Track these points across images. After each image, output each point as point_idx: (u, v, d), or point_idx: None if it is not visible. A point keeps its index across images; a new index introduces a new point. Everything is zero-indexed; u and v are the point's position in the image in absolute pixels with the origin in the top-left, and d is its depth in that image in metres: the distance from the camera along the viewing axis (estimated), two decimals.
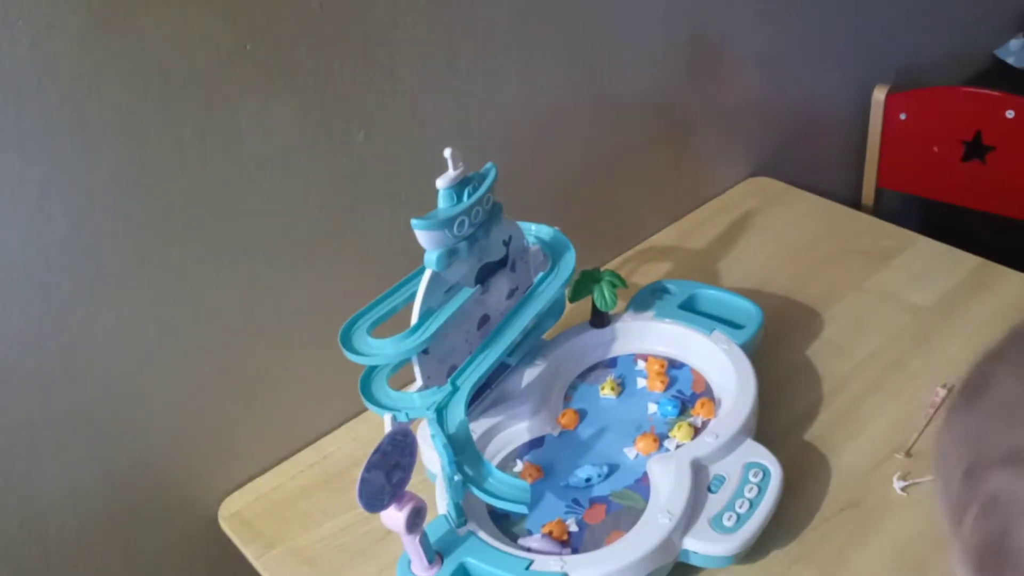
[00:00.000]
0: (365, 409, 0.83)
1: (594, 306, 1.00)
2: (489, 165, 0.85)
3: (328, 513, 0.94)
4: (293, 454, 1.03)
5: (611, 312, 1.01)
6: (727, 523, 0.80)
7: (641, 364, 0.99)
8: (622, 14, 1.11)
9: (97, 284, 0.82)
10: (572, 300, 1.00)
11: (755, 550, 0.81)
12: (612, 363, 1.01)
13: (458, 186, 0.81)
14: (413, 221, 0.78)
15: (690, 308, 1.03)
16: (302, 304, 0.96)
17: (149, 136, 0.80)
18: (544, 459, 0.90)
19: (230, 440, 0.98)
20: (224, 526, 0.97)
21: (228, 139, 0.84)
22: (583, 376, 1.00)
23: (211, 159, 0.84)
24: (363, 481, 0.70)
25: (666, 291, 1.05)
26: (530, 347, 0.98)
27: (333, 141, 0.92)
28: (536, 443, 0.92)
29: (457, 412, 0.81)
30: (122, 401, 0.88)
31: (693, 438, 0.88)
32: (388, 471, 0.73)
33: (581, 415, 0.95)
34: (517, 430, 0.93)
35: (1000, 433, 0.44)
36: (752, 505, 0.81)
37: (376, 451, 0.71)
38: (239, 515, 0.97)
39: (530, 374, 0.96)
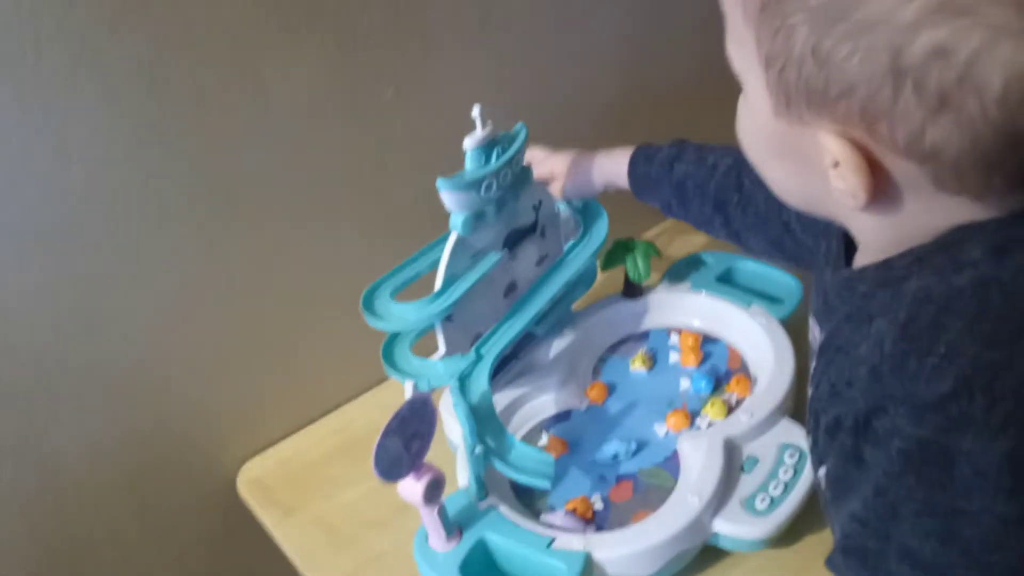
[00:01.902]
0: (388, 376, 0.81)
1: (627, 276, 0.97)
2: (520, 125, 0.81)
3: (348, 481, 0.92)
4: (315, 420, 1.01)
5: (644, 283, 0.98)
6: (760, 505, 0.77)
7: (674, 338, 0.96)
8: None
9: (117, 238, 0.81)
10: (604, 269, 0.97)
11: (789, 534, 0.78)
12: (644, 336, 0.97)
13: (486, 147, 0.78)
14: (439, 181, 0.75)
15: (727, 281, 0.99)
16: (325, 266, 0.94)
17: (170, 86, 0.77)
18: (570, 433, 0.88)
19: (251, 403, 0.96)
20: (243, 491, 0.95)
21: (252, 92, 0.82)
22: (613, 349, 0.97)
23: (234, 112, 0.81)
24: (380, 448, 0.68)
25: (703, 263, 1.02)
26: (558, 317, 0.95)
27: (361, 98, 0.89)
28: (562, 416, 0.90)
29: (480, 382, 0.79)
30: (141, 360, 0.87)
31: (726, 416, 0.85)
32: (407, 439, 0.70)
33: (610, 389, 0.92)
34: (543, 402, 0.90)
35: None
36: (787, 488, 0.78)
37: (394, 417, 0.68)
38: (258, 481, 0.96)
39: (558, 345, 0.94)
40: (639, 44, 1.10)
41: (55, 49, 0.71)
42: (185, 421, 0.93)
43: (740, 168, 0.82)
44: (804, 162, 0.52)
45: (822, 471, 0.62)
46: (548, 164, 0.92)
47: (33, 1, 0.69)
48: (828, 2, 0.46)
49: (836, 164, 0.49)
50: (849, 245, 0.61)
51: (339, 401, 1.02)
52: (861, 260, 0.59)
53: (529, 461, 0.76)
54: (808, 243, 0.75)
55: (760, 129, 0.54)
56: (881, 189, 0.50)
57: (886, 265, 0.54)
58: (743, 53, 0.52)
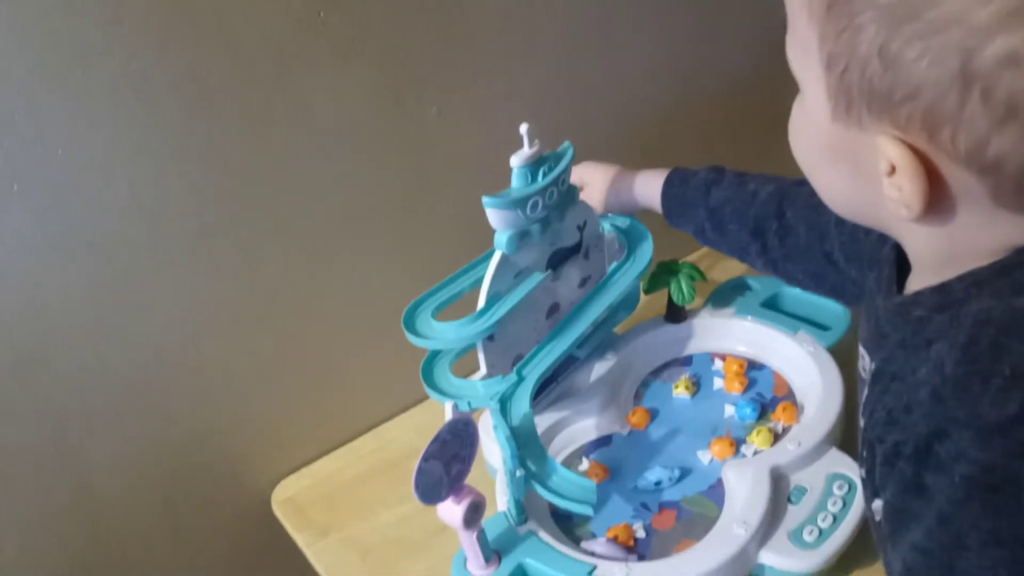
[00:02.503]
0: (427, 397, 0.80)
1: (670, 300, 0.95)
2: (566, 144, 0.81)
3: (384, 503, 0.91)
4: (351, 440, 1.00)
5: (688, 307, 0.96)
6: (808, 537, 0.74)
7: (718, 363, 0.94)
8: None
9: (158, 253, 0.80)
10: (647, 292, 0.95)
11: (838, 568, 0.75)
12: (687, 361, 0.95)
13: (533, 165, 0.77)
14: (484, 199, 0.74)
15: (773, 307, 0.97)
16: (366, 283, 0.93)
17: (216, 102, 0.77)
18: (611, 459, 0.86)
19: (287, 421, 0.96)
20: (277, 511, 0.94)
21: (296, 108, 0.82)
22: (656, 373, 0.95)
23: (278, 128, 0.81)
24: (420, 471, 0.67)
25: (748, 287, 1.00)
26: (601, 340, 0.93)
27: (405, 116, 0.88)
28: (603, 441, 0.88)
29: (522, 404, 0.77)
30: (178, 375, 0.86)
31: (773, 444, 0.83)
32: (447, 462, 0.69)
33: (652, 414, 0.90)
34: (584, 426, 0.88)
35: None
36: (836, 520, 0.75)
37: (435, 440, 0.67)
38: (292, 500, 0.95)
39: (599, 368, 0.92)
40: (683, 65, 1.09)
41: (103, 64, 0.71)
42: (221, 438, 0.92)
43: (782, 197, 0.81)
44: (858, 168, 0.51)
45: (876, 504, 0.60)
46: (578, 172, 0.91)
47: (82, 17, 0.69)
48: (899, 1, 0.44)
49: (891, 172, 0.48)
50: (901, 272, 0.59)
51: (376, 421, 1.01)
52: (915, 283, 0.57)
53: (571, 486, 0.74)
54: (852, 275, 0.73)
55: (815, 132, 0.53)
56: (936, 199, 0.48)
57: (943, 289, 0.52)
58: (804, 54, 0.51)
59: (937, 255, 0.53)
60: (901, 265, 0.59)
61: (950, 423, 0.49)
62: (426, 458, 0.67)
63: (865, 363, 0.63)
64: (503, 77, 0.93)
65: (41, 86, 0.69)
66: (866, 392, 0.62)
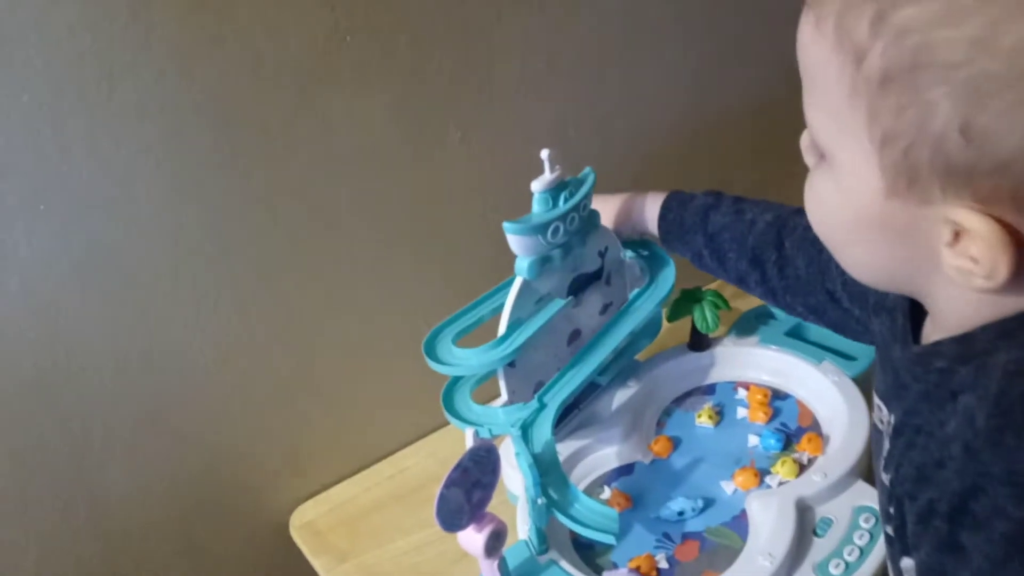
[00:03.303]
0: (446, 423, 0.79)
1: (694, 327, 0.94)
2: (588, 170, 0.80)
3: (402, 530, 0.90)
4: (369, 465, 0.99)
5: (712, 335, 0.95)
6: (834, 570, 0.73)
7: (742, 392, 0.93)
8: (733, 20, 1.05)
9: (178, 275, 0.80)
10: (670, 320, 0.94)
11: None
12: (710, 390, 0.94)
13: (554, 190, 0.77)
14: (505, 224, 0.74)
15: (798, 336, 0.96)
16: (386, 308, 0.93)
17: (238, 122, 0.77)
18: (634, 488, 0.85)
19: (305, 446, 0.95)
20: (295, 536, 0.94)
21: (319, 130, 0.81)
22: (678, 402, 0.94)
23: (300, 150, 0.81)
24: (442, 498, 0.66)
25: (772, 316, 0.99)
26: (622, 367, 0.93)
27: (427, 139, 0.88)
28: (625, 470, 0.87)
29: (543, 431, 0.76)
30: (197, 396, 0.86)
31: (798, 476, 0.81)
32: (468, 489, 0.68)
33: (675, 443, 0.89)
34: (606, 455, 0.87)
35: None
36: (863, 553, 0.74)
37: (456, 467, 0.67)
38: (311, 525, 0.94)
39: (621, 396, 0.91)
40: (705, 91, 1.08)
41: (128, 84, 0.71)
42: (239, 462, 0.92)
43: (780, 227, 0.79)
44: (910, 240, 0.48)
45: (906, 562, 0.57)
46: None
47: (109, 36, 0.69)
48: (981, 75, 0.42)
49: (954, 241, 0.46)
50: (913, 317, 0.57)
51: (394, 447, 1.00)
52: (932, 332, 0.55)
53: (593, 515, 0.73)
54: (856, 313, 0.72)
55: (856, 208, 0.49)
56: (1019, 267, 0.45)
57: (966, 339, 0.50)
58: (840, 130, 0.48)
59: (974, 315, 0.50)
60: (914, 313, 0.57)
61: (985, 479, 0.48)
62: (448, 485, 0.66)
63: (883, 415, 0.61)
64: (524, 102, 0.93)
65: (66, 105, 0.70)
66: (887, 446, 0.60)
